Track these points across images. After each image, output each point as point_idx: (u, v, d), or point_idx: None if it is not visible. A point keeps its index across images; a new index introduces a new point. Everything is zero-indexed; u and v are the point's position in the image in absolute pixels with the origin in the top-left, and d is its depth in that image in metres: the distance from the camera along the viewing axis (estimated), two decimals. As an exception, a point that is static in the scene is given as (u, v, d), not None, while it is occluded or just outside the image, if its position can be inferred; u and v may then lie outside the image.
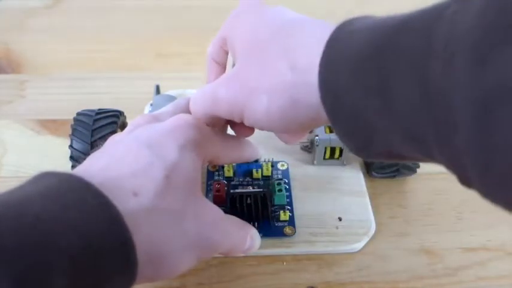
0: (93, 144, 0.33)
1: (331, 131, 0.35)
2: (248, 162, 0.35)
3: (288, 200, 0.34)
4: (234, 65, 0.30)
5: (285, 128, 0.25)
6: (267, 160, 0.36)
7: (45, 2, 0.59)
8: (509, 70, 0.14)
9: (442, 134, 0.17)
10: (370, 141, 0.22)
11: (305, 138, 0.39)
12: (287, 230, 0.32)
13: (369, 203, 0.35)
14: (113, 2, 0.59)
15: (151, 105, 0.40)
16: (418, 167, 0.36)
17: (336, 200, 0.35)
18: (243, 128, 0.29)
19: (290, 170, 0.37)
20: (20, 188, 0.21)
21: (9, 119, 0.42)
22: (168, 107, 0.31)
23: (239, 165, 0.36)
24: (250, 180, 0.36)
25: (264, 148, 0.33)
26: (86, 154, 0.32)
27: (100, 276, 0.21)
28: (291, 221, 0.33)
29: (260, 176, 0.36)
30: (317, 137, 0.35)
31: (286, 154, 0.38)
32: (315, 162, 0.37)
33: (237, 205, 0.31)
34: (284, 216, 0.33)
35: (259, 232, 0.30)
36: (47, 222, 0.19)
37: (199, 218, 0.25)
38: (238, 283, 0.31)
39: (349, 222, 0.34)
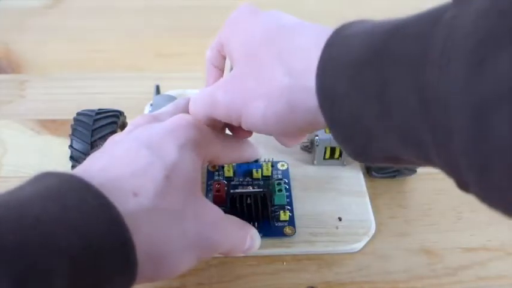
0: (93, 144, 0.33)
1: (331, 131, 0.35)
2: (248, 162, 0.35)
3: (288, 200, 0.34)
4: (231, 69, 0.30)
5: (283, 131, 0.26)
6: (267, 160, 0.36)
7: (45, 2, 0.59)
8: (505, 75, 0.14)
9: (440, 139, 0.17)
10: (368, 146, 0.22)
11: (305, 138, 0.39)
12: (287, 230, 0.32)
13: (369, 203, 0.35)
14: (113, 2, 0.59)
15: (151, 105, 0.40)
16: (418, 166, 0.37)
17: (335, 200, 0.35)
18: (241, 131, 0.29)
19: (290, 170, 0.37)
20: (20, 189, 0.21)
21: (9, 119, 0.42)
22: (168, 107, 0.31)
23: (239, 165, 0.36)
24: (250, 180, 0.36)
25: (264, 148, 0.33)
26: (86, 154, 0.32)
27: (100, 276, 0.21)
28: (291, 221, 0.33)
29: (260, 176, 0.36)
30: (317, 137, 0.35)
31: (286, 154, 0.38)
32: (315, 162, 0.37)
33: (237, 205, 0.31)
34: (284, 216, 0.33)
35: (259, 232, 0.30)
36: (47, 223, 0.19)
37: (199, 218, 0.25)
38: (238, 283, 0.31)
39: (349, 222, 0.34)
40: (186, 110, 0.30)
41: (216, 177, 0.36)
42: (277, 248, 0.32)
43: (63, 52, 0.51)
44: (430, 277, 0.31)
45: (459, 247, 0.33)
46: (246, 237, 0.28)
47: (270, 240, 0.32)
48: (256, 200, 0.32)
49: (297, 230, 0.32)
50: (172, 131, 0.26)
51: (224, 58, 0.32)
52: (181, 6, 0.59)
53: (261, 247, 0.29)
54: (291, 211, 0.33)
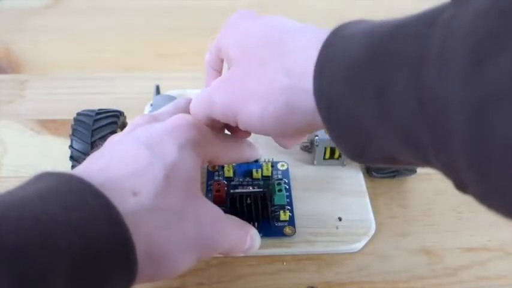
0: (93, 144, 0.33)
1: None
2: (248, 162, 0.35)
3: (288, 200, 0.34)
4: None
5: (281, 132, 0.25)
6: (267, 160, 0.36)
7: (45, 2, 0.59)
8: (506, 75, 0.14)
9: (439, 140, 0.17)
10: (366, 147, 0.22)
11: (305, 138, 0.39)
12: (287, 230, 0.32)
13: (368, 203, 0.35)
14: (113, 2, 0.59)
15: (151, 105, 0.40)
16: (418, 166, 0.37)
17: (335, 200, 0.35)
18: (239, 131, 0.29)
19: (290, 170, 0.37)
20: (20, 189, 0.21)
21: (9, 119, 0.43)
22: (168, 107, 0.31)
23: (239, 165, 0.36)
24: (250, 180, 0.36)
25: (264, 148, 0.33)
26: (86, 154, 0.32)
27: (100, 276, 0.21)
28: (291, 221, 0.33)
29: (260, 176, 0.36)
30: (317, 137, 0.35)
31: (286, 154, 0.38)
32: (315, 162, 0.37)
33: (237, 205, 0.31)
34: (284, 216, 0.33)
35: (259, 232, 0.30)
36: (47, 223, 0.19)
37: (199, 217, 0.25)
38: (238, 283, 0.31)
39: (349, 222, 0.34)
40: (185, 110, 0.30)
41: (216, 177, 0.36)
42: (277, 248, 0.32)
43: (63, 52, 0.51)
44: (430, 277, 0.31)
45: (459, 247, 0.33)
46: (246, 237, 0.28)
47: (270, 240, 0.32)
48: (256, 200, 0.32)
49: (297, 230, 0.32)
50: (172, 131, 0.26)
51: (222, 61, 0.32)
52: (181, 6, 0.59)
53: (261, 247, 0.29)
54: (291, 211, 0.33)
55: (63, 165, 0.34)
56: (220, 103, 0.26)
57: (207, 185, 0.35)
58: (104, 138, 0.32)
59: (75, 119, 0.34)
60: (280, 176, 0.36)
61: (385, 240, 0.33)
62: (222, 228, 0.26)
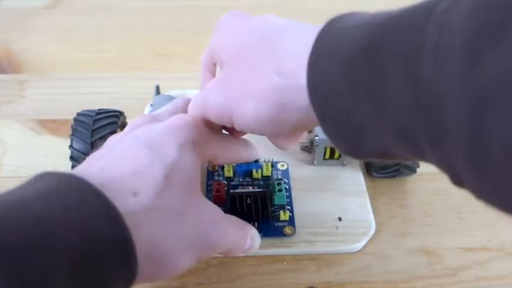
0: (93, 144, 0.33)
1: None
2: (248, 162, 0.35)
3: (288, 200, 0.34)
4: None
5: (276, 131, 0.25)
6: (267, 160, 0.36)
7: (45, 2, 0.59)
8: (504, 68, 0.14)
9: (434, 135, 0.17)
10: (361, 143, 0.21)
11: (305, 138, 0.39)
12: (287, 230, 0.32)
13: (368, 203, 0.35)
14: (113, 2, 0.59)
15: (151, 105, 0.40)
16: (418, 166, 0.36)
17: (336, 200, 0.35)
18: (235, 131, 0.29)
19: (290, 170, 0.37)
20: (20, 189, 0.21)
21: (9, 119, 0.43)
22: (167, 107, 0.31)
23: (239, 165, 0.36)
24: (250, 180, 0.36)
25: (264, 148, 0.33)
26: (86, 154, 0.32)
27: (100, 276, 0.21)
28: (291, 221, 0.33)
29: (260, 176, 0.36)
30: (317, 137, 0.35)
31: (286, 154, 0.38)
32: (315, 162, 0.37)
33: (237, 205, 0.31)
34: (284, 216, 0.33)
35: (259, 232, 0.30)
36: (47, 223, 0.19)
37: (199, 217, 0.25)
38: (238, 283, 0.31)
39: (349, 222, 0.34)
40: (185, 110, 0.30)
41: (216, 177, 0.36)
42: (277, 248, 0.32)
43: (63, 52, 0.51)
44: (430, 277, 0.31)
45: (459, 247, 0.33)
46: (246, 237, 0.28)
47: (270, 240, 0.32)
48: (256, 200, 0.32)
49: (297, 230, 0.32)
50: (171, 131, 0.26)
51: (215, 64, 0.32)
52: (181, 6, 0.59)
53: (261, 247, 0.29)
54: (291, 211, 0.33)
55: (63, 165, 0.34)
56: (214, 105, 0.26)
57: (207, 185, 0.35)
58: (104, 138, 0.32)
59: (75, 119, 0.34)
60: (280, 176, 0.36)
61: (385, 240, 0.33)
62: (222, 228, 0.26)
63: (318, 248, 0.32)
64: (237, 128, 0.26)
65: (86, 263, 0.20)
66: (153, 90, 0.42)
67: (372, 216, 0.34)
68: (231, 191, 0.33)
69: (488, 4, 0.15)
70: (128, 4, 0.59)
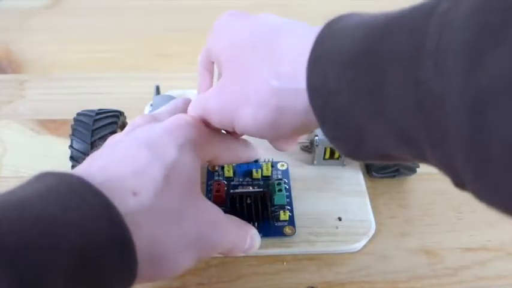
0: (93, 144, 0.33)
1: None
2: (248, 163, 0.35)
3: (287, 200, 0.34)
4: (219, 75, 0.30)
5: (276, 135, 0.25)
6: (266, 160, 0.36)
7: (45, 2, 0.59)
8: (505, 69, 0.14)
9: (435, 136, 0.17)
10: (360, 144, 0.21)
11: (305, 139, 0.39)
12: (287, 229, 0.32)
13: (368, 203, 0.35)
14: (113, 2, 0.59)
15: (151, 105, 0.40)
16: (418, 166, 0.36)
17: (335, 200, 0.35)
18: (235, 133, 0.29)
19: (290, 170, 0.37)
20: (20, 188, 0.21)
21: (9, 119, 0.43)
22: (167, 107, 0.31)
23: (239, 165, 0.36)
24: (250, 180, 0.36)
25: (264, 148, 0.33)
26: (86, 154, 0.32)
27: (100, 276, 0.21)
28: (291, 221, 0.33)
29: (260, 176, 0.36)
30: (317, 137, 0.35)
31: (286, 154, 0.38)
32: (315, 162, 0.37)
33: (237, 205, 0.31)
34: (284, 216, 0.33)
35: (259, 232, 0.30)
36: (47, 223, 0.19)
37: (199, 217, 0.25)
38: (238, 283, 0.31)
39: (349, 222, 0.34)
40: (184, 110, 0.30)
41: (216, 177, 0.36)
42: (277, 248, 0.32)
43: (63, 52, 0.51)
44: (430, 277, 0.31)
45: (459, 247, 0.33)
46: (246, 237, 0.28)
47: (270, 240, 0.32)
48: (256, 200, 0.32)
49: (297, 230, 0.32)
50: (171, 131, 0.26)
51: (213, 63, 0.31)
52: (181, 6, 0.59)
53: (261, 247, 0.29)
54: (291, 211, 0.33)
55: (63, 165, 0.34)
56: (214, 110, 0.26)
57: (207, 185, 0.35)
58: (104, 138, 0.32)
59: (75, 119, 0.34)
60: (280, 176, 0.36)
61: (385, 240, 0.33)
62: (222, 228, 0.26)
63: (318, 248, 0.32)
64: (238, 131, 0.26)
65: (85, 263, 0.20)
66: (153, 90, 0.42)
67: (371, 216, 0.34)
68: (231, 191, 0.33)
69: (489, 5, 0.15)
70: (128, 4, 0.59)
